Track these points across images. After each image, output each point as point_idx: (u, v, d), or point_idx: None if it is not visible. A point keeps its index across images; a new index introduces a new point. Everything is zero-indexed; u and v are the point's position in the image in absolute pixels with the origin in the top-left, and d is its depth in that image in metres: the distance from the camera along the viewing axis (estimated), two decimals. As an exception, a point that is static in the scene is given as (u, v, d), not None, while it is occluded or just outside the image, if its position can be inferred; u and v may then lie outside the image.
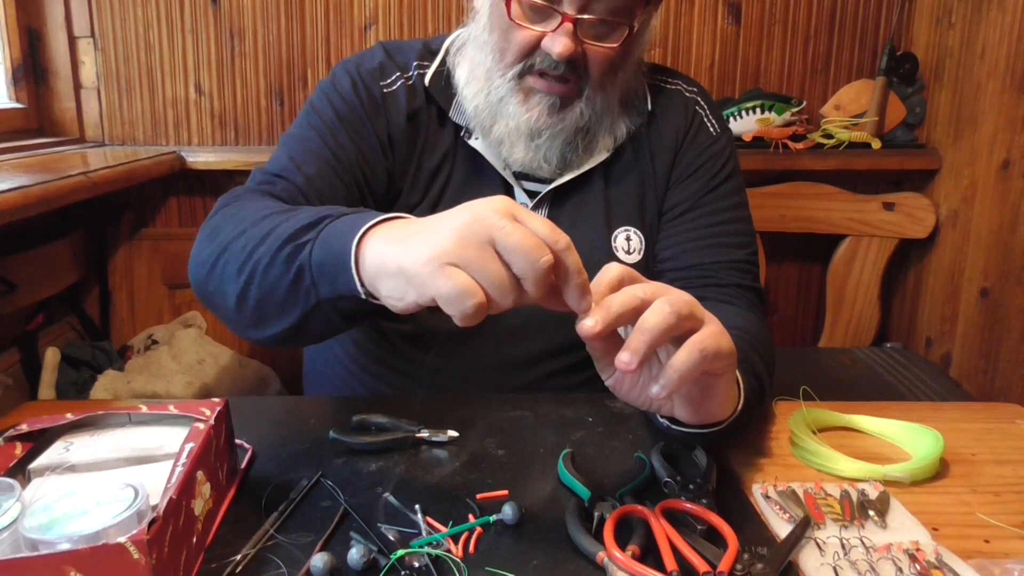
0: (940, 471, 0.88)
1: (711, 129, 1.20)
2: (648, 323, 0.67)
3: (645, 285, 0.70)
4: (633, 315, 0.68)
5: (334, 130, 1.08)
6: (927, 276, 1.95)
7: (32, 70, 1.81)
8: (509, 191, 1.12)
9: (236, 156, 1.82)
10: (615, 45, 1.02)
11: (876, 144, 1.91)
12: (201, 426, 0.76)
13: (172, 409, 0.81)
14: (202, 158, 1.81)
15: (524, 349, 1.12)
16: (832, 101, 1.96)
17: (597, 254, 1.11)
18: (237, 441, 0.87)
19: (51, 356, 1.54)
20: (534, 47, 1.02)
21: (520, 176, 1.13)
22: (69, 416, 0.80)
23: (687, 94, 1.21)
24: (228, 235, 0.89)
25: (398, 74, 1.13)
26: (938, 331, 1.90)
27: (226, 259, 0.87)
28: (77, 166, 1.45)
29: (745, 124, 1.90)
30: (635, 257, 1.14)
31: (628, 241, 1.14)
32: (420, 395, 1.06)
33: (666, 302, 0.68)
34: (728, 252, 1.13)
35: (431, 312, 0.70)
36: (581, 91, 1.05)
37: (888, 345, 1.96)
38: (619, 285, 0.70)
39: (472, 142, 1.11)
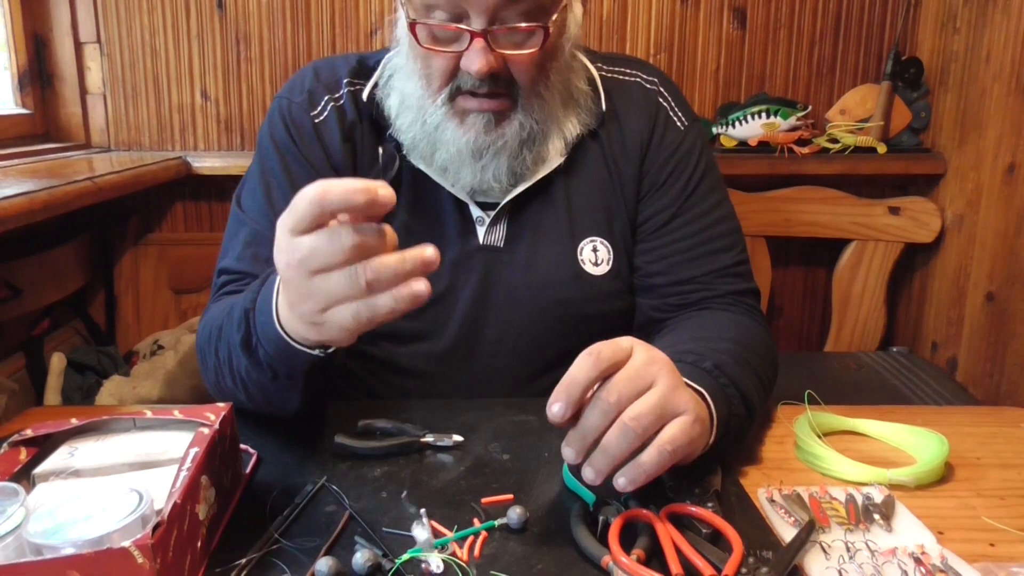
0: (945, 475, 0.88)
1: (678, 124, 1.13)
2: (611, 447, 0.69)
3: (620, 386, 0.69)
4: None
5: (283, 188, 1.06)
6: (933, 280, 1.95)
7: (38, 76, 1.82)
8: (459, 205, 1.08)
9: (242, 161, 1.82)
10: (534, 50, 0.97)
11: (881, 148, 1.91)
12: (206, 431, 0.76)
13: (177, 414, 0.81)
14: (208, 163, 1.81)
15: (514, 369, 1.11)
16: (837, 105, 1.96)
17: (563, 269, 1.08)
18: (242, 446, 0.87)
19: (57, 361, 1.55)
20: (456, 69, 0.98)
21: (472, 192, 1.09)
22: (74, 421, 0.80)
23: (647, 86, 1.15)
24: (210, 358, 0.95)
25: (327, 97, 1.10)
26: (944, 335, 1.90)
27: (218, 375, 0.94)
28: (83, 171, 1.45)
29: (751, 128, 1.90)
30: (603, 268, 1.09)
31: (595, 252, 1.09)
32: (425, 400, 1.06)
33: (633, 419, 0.68)
34: (718, 259, 1.10)
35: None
36: (516, 102, 1.00)
37: (894, 349, 1.95)
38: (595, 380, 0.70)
39: (415, 161, 1.07)
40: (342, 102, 1.10)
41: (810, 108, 1.93)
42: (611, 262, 1.10)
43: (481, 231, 1.08)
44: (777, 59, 1.94)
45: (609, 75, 1.15)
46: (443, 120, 1.01)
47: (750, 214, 1.93)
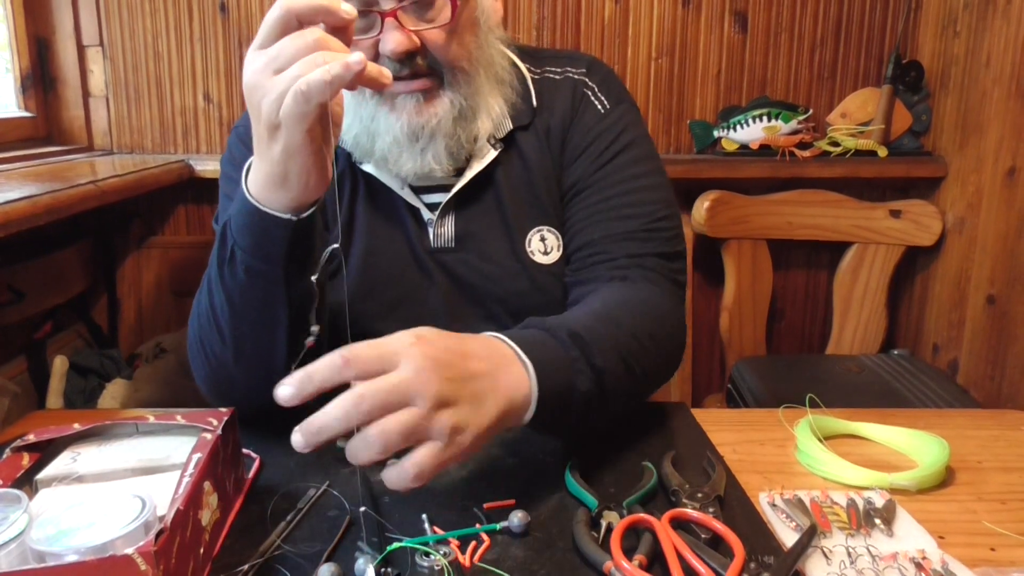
0: (946, 479, 0.88)
1: (599, 107, 1.14)
2: (351, 453, 0.69)
3: (371, 399, 0.67)
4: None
5: None
6: (934, 283, 1.95)
7: (41, 79, 1.82)
8: (412, 210, 1.10)
9: (243, 164, 1.82)
10: (446, 23, 0.98)
11: (882, 152, 1.91)
12: (208, 436, 0.76)
13: (179, 419, 0.81)
14: (211, 166, 1.81)
15: None
16: (838, 109, 1.96)
17: (512, 262, 1.10)
18: (244, 450, 0.88)
19: (59, 364, 1.55)
20: (376, 57, 0.98)
21: (419, 190, 1.10)
22: (76, 426, 0.80)
23: (575, 77, 1.16)
24: (192, 324, 0.97)
25: None
26: (945, 338, 1.90)
27: (201, 333, 0.95)
28: (86, 174, 1.45)
29: (752, 132, 1.90)
30: (553, 257, 1.10)
31: (543, 241, 1.11)
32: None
33: (380, 435, 0.67)
34: (620, 224, 1.07)
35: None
36: (442, 80, 1.01)
37: (895, 352, 1.95)
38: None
39: (365, 166, 1.09)
40: None
41: (811, 111, 1.93)
42: (560, 249, 1.11)
43: (431, 232, 1.10)
44: (778, 63, 1.94)
45: (540, 75, 1.16)
46: (375, 110, 1.02)
47: (751, 217, 1.93)
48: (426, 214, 1.10)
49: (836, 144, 1.93)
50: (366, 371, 0.67)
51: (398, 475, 0.69)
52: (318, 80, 0.70)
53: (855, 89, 1.96)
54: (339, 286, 1.00)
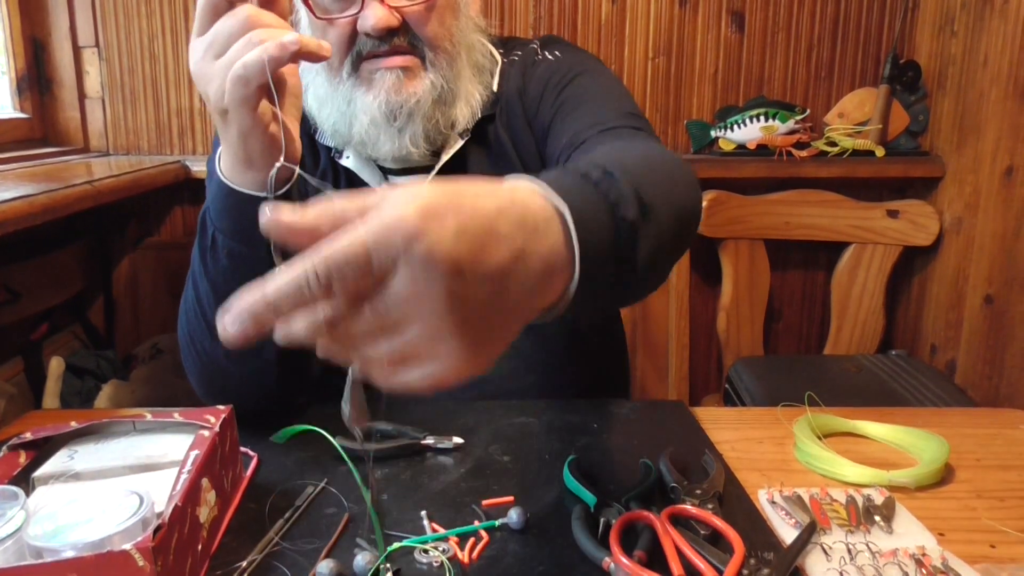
0: (945, 476, 0.88)
1: (550, 57, 1.13)
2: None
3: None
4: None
5: None
6: (931, 283, 1.95)
7: (37, 80, 1.82)
8: None
9: (240, 165, 1.82)
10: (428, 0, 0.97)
11: (880, 152, 1.92)
12: (206, 433, 0.76)
13: (177, 416, 0.81)
14: (206, 167, 1.81)
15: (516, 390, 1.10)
16: (836, 109, 1.96)
17: None
18: (242, 448, 0.87)
19: (55, 365, 1.55)
20: (353, 34, 0.97)
21: (396, 172, 1.10)
22: (73, 424, 0.80)
23: (530, 48, 1.16)
24: (181, 320, 1.00)
25: None
26: (943, 338, 1.90)
27: (189, 325, 0.97)
28: (82, 175, 1.45)
29: (749, 132, 1.90)
30: None
31: None
32: (425, 402, 1.06)
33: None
34: (591, 120, 1.01)
35: None
36: (423, 60, 1.00)
37: (893, 352, 1.95)
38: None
39: (344, 161, 1.09)
40: None
41: (808, 111, 1.93)
42: None
43: None
44: (775, 62, 1.94)
45: (508, 59, 1.15)
46: (352, 92, 1.00)
47: (749, 217, 1.93)
48: None
49: (833, 144, 1.93)
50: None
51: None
52: (254, 62, 0.70)
53: (852, 89, 1.96)
54: None
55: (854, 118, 1.94)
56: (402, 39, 0.98)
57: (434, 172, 1.08)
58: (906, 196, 1.99)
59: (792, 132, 1.91)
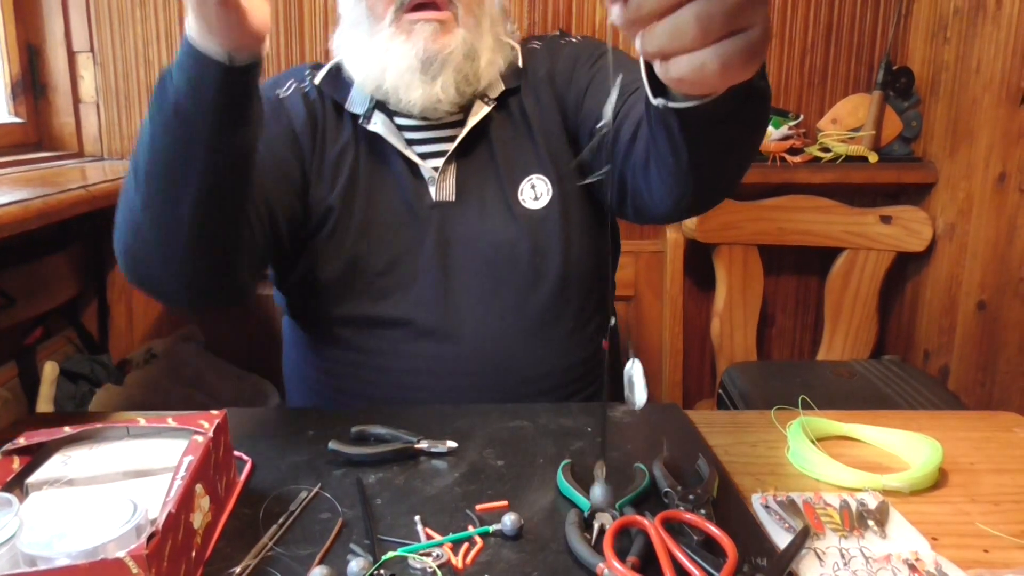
0: (939, 480, 0.89)
1: (573, 40, 1.27)
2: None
3: None
4: None
5: None
6: (924, 289, 1.96)
7: (31, 85, 1.82)
8: (413, 168, 1.16)
9: (235, 170, 1.82)
10: None
11: (873, 157, 1.92)
12: (200, 439, 0.76)
13: (170, 422, 0.81)
14: (201, 172, 1.81)
15: (486, 312, 1.15)
16: (829, 115, 1.97)
17: (506, 211, 1.16)
18: (236, 453, 0.87)
19: (49, 370, 1.54)
20: None
21: (416, 142, 1.18)
22: (67, 430, 0.80)
23: (550, 39, 1.30)
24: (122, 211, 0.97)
25: (292, 82, 1.23)
26: (936, 344, 1.91)
27: (124, 186, 0.95)
28: (76, 180, 1.45)
29: (742, 137, 1.91)
30: (543, 201, 1.17)
31: (533, 189, 1.17)
32: (419, 406, 1.06)
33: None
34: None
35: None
36: (456, 18, 1.11)
37: (886, 358, 1.96)
38: None
39: (371, 127, 1.16)
40: (306, 89, 1.21)
41: (802, 117, 1.94)
42: (549, 193, 1.17)
43: (433, 189, 1.16)
44: (769, 68, 1.93)
45: (527, 49, 1.27)
46: (390, 40, 1.10)
47: (742, 223, 1.93)
48: (427, 172, 1.16)
49: (827, 150, 1.93)
50: None
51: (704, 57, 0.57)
52: None
53: (845, 95, 1.97)
54: (343, 242, 1.12)
55: (847, 124, 1.95)
56: None
57: (458, 140, 1.16)
58: (899, 202, 1.99)
59: (786, 138, 1.91)
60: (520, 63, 1.23)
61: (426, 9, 1.10)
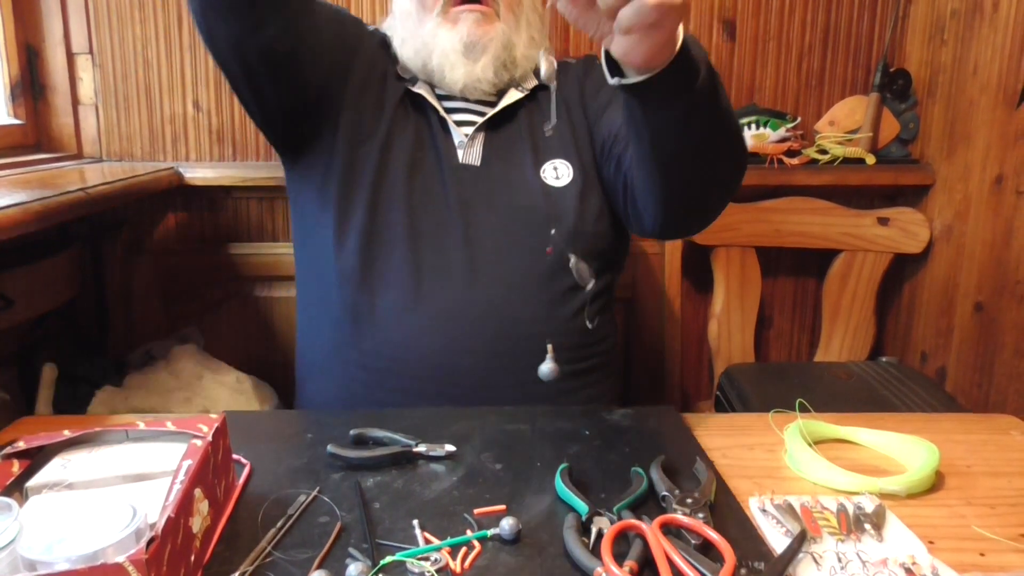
0: (936, 484, 0.89)
1: (595, 61, 1.41)
2: None
3: None
4: None
5: (341, 20, 1.35)
6: (922, 291, 1.96)
7: (31, 86, 1.82)
8: (444, 124, 1.29)
9: (233, 172, 1.82)
10: None
11: (870, 159, 1.93)
12: (199, 443, 0.76)
13: (170, 426, 0.82)
14: (200, 174, 1.81)
15: (503, 258, 1.22)
16: (826, 117, 1.97)
17: (529, 182, 1.27)
18: (234, 456, 0.88)
19: (48, 372, 1.54)
20: None
21: (451, 111, 1.31)
22: (67, 433, 0.80)
23: (583, 57, 1.47)
24: None
25: (374, 27, 1.42)
26: (933, 345, 1.91)
27: None
28: (75, 182, 1.45)
29: (740, 139, 1.91)
30: (564, 181, 1.28)
31: (555, 171, 1.28)
32: (417, 409, 1.06)
33: None
34: None
35: None
36: (497, 13, 1.27)
37: (883, 359, 1.96)
38: None
39: (416, 88, 1.30)
40: (377, 38, 1.39)
41: (799, 119, 1.94)
42: (571, 176, 1.28)
43: (460, 152, 1.28)
44: (766, 71, 1.95)
45: (562, 62, 1.41)
46: (438, 28, 1.26)
47: (740, 224, 1.94)
48: (457, 136, 1.28)
49: (824, 152, 1.94)
50: None
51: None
52: None
53: (843, 97, 1.97)
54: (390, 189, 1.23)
55: (845, 126, 1.95)
56: None
57: (489, 115, 1.29)
58: (896, 204, 1.99)
59: (783, 140, 1.91)
60: (555, 63, 1.31)
61: (471, 3, 1.26)
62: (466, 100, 1.32)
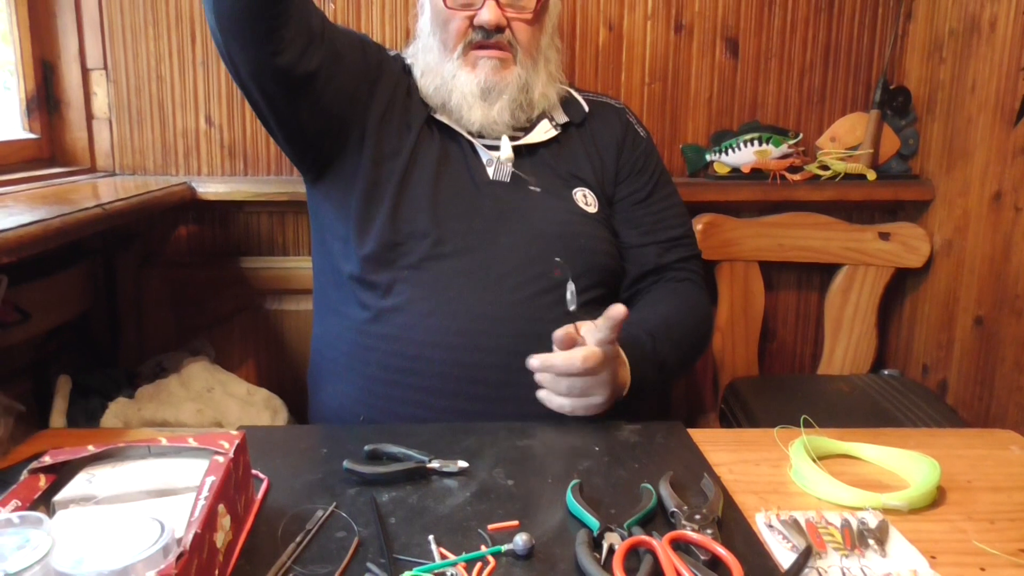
0: (937, 498, 0.91)
1: (641, 132, 1.48)
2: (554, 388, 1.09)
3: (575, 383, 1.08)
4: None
5: (356, 43, 1.37)
6: (923, 304, 1.98)
7: (46, 101, 1.84)
8: (471, 147, 1.34)
9: (245, 187, 1.84)
10: (530, 14, 1.32)
11: (871, 175, 1.95)
12: (221, 459, 0.78)
13: (191, 442, 0.83)
14: (212, 188, 1.83)
15: (528, 266, 1.26)
16: (828, 133, 1.99)
17: (560, 202, 1.33)
18: (252, 471, 0.90)
19: (63, 384, 1.56)
20: (468, 29, 1.31)
21: (478, 135, 1.36)
22: (91, 448, 0.82)
23: (616, 106, 1.51)
24: None
25: (395, 53, 1.46)
26: (934, 358, 1.93)
27: None
28: (89, 196, 1.47)
29: (743, 156, 1.93)
30: (592, 208, 1.36)
31: (585, 197, 1.36)
32: (429, 424, 1.08)
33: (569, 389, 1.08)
34: (673, 230, 1.42)
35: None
36: (515, 58, 1.33)
37: (885, 372, 1.98)
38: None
39: (438, 116, 1.35)
40: (400, 63, 1.44)
41: (801, 136, 1.97)
42: (597, 207, 1.37)
43: (490, 170, 1.33)
44: (768, 88, 1.98)
45: (585, 96, 1.49)
46: (458, 70, 1.32)
47: (743, 239, 1.96)
48: (484, 155, 1.34)
49: (826, 168, 1.96)
50: (583, 369, 1.05)
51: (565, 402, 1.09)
52: None
53: (844, 114, 2.00)
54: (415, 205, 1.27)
55: (846, 142, 1.98)
56: (503, 38, 1.31)
57: (519, 142, 1.35)
58: (897, 219, 2.02)
59: (785, 156, 1.94)
60: (585, 105, 1.45)
61: (490, 48, 1.31)
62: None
